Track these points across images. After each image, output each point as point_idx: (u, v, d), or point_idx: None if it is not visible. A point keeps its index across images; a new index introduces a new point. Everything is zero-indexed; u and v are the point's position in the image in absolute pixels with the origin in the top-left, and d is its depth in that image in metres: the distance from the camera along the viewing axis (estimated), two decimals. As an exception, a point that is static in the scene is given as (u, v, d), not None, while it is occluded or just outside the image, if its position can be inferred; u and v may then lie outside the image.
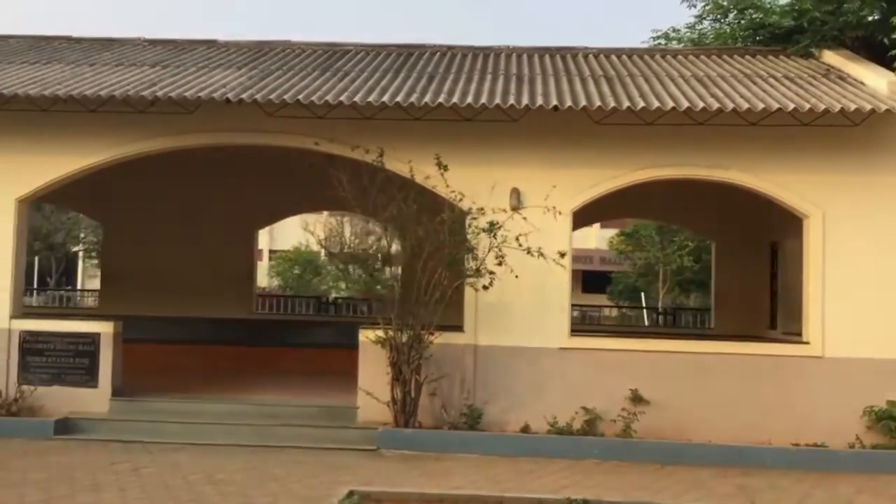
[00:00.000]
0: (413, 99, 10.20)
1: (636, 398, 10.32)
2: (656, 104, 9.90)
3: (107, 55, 12.81)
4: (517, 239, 9.90)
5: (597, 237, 49.64)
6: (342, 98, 10.14)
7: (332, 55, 13.19)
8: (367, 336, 10.67)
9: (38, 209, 24.52)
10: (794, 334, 13.26)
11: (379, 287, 9.82)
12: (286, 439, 10.18)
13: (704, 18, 16.08)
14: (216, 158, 12.86)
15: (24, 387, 10.59)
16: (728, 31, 15.52)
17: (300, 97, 10.05)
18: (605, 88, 10.95)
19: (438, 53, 13.36)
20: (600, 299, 39.42)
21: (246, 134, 10.74)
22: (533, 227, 10.08)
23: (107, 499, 7.43)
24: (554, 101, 9.97)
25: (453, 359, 10.49)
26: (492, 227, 9.82)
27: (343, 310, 19.51)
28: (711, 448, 9.88)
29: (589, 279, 48.01)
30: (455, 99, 10.25)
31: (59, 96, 10.20)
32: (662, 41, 16.56)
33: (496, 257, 9.87)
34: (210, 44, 13.83)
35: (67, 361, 10.83)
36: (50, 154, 10.87)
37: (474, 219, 10.04)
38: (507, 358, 10.57)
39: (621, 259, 40.26)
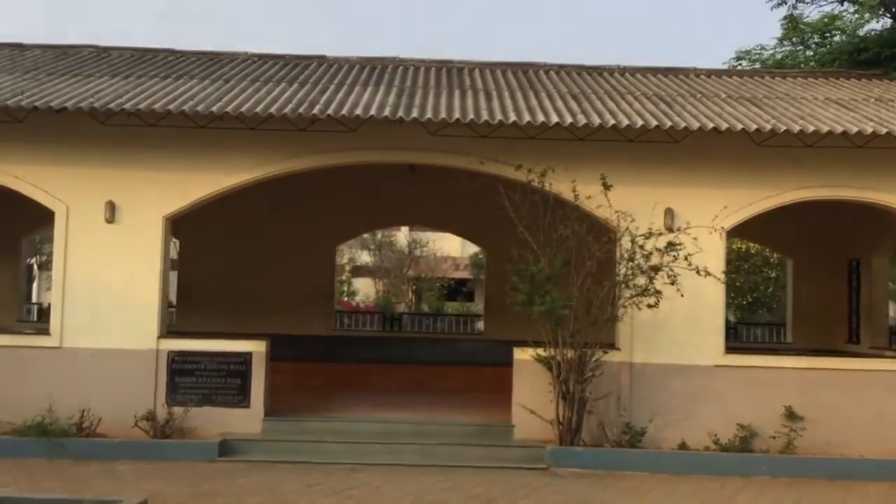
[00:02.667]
0: (574, 119, 10.29)
1: (791, 415, 10.53)
2: (825, 128, 10.14)
3: (226, 70, 12.67)
4: (686, 258, 10.06)
5: None
6: (530, 118, 10.19)
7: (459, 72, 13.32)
8: (524, 355, 10.74)
9: None
10: (880, 348, 13.71)
11: (562, 306, 9.86)
12: (448, 458, 10.15)
13: (785, 41, 16.47)
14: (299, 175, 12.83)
15: (176, 408, 10.42)
16: (812, 54, 15.92)
17: (472, 116, 10.09)
18: (756, 111, 11.18)
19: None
20: None
21: (407, 152, 10.75)
22: (693, 246, 10.25)
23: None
24: (725, 125, 10.15)
25: (609, 376, 10.57)
26: (672, 247, 9.96)
27: (410, 325, 19.54)
28: (876, 463, 10.11)
29: None
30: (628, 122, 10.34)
31: (213, 113, 10.05)
32: (744, 62, 16.91)
33: (668, 276, 10.02)
34: (321, 59, 13.80)
35: (218, 381, 10.65)
36: (198, 171, 10.72)
37: (645, 238, 10.16)
38: (662, 375, 10.69)
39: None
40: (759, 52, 16.76)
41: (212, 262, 15.33)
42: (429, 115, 10.09)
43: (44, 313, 19.50)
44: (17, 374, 10.49)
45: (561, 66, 13.94)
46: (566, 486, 9.10)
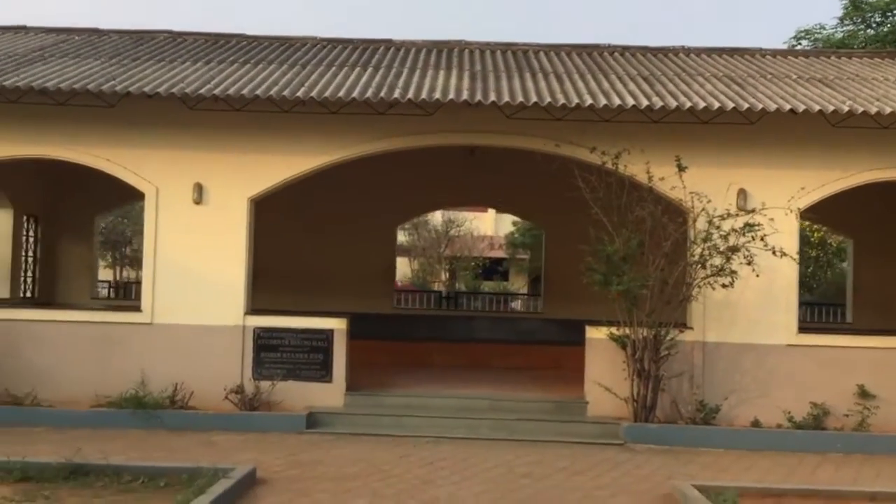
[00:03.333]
0: (650, 102, 10.42)
1: (863, 393, 10.67)
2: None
3: (299, 55, 12.94)
4: (762, 239, 10.21)
5: None
6: (606, 101, 10.33)
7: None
8: (597, 333, 10.99)
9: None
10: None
11: (639, 286, 10.08)
12: (525, 433, 10.46)
13: (846, 21, 16.38)
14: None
15: (264, 382, 10.83)
16: (873, 34, 15.84)
17: (549, 99, 10.29)
18: (830, 91, 11.25)
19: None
20: None
21: (484, 135, 10.98)
22: (770, 227, 10.39)
23: (450, 492, 7.69)
24: (802, 106, 10.25)
25: (682, 355, 10.76)
26: (750, 228, 10.12)
27: (458, 304, 19.86)
28: (951, 441, 10.25)
29: None
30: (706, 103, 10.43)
31: (298, 98, 10.31)
32: (805, 41, 16.85)
33: (744, 257, 10.18)
34: (388, 42, 14.04)
35: (302, 357, 11.04)
36: (282, 154, 11.05)
37: (722, 219, 10.32)
38: (735, 354, 10.88)
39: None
40: (818, 31, 16.69)
41: (279, 242, 15.72)
42: (506, 98, 10.30)
43: (118, 290, 20.11)
44: (111, 349, 10.97)
45: (626, 48, 14.05)
46: (647, 460, 9.34)
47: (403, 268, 43.29)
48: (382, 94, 10.34)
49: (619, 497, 7.72)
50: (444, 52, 13.61)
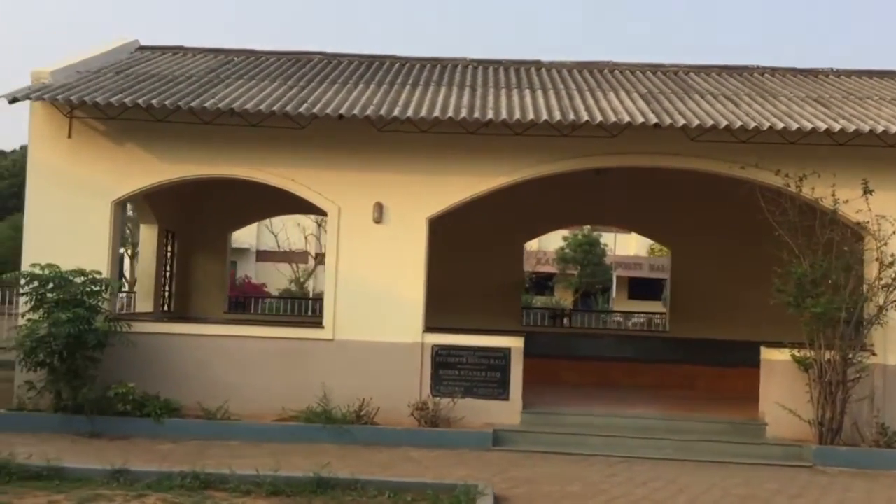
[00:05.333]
0: (843, 126, 10.46)
1: None
2: None
3: (457, 76, 13.19)
4: (957, 261, 10.21)
5: (637, 244, 50.08)
6: (797, 125, 10.38)
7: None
8: (776, 355, 11.02)
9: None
10: None
11: (836, 308, 10.12)
12: (709, 454, 10.48)
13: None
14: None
15: (445, 399, 10.98)
16: None
17: (741, 123, 10.36)
18: None
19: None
20: (647, 306, 39.61)
21: (666, 157, 11.09)
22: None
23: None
24: None
25: (863, 378, 10.74)
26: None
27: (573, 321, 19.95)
28: None
29: (635, 286, 48.46)
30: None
31: (478, 119, 10.56)
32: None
33: (940, 281, 10.18)
34: (537, 64, 14.23)
35: (479, 375, 11.20)
36: (460, 174, 11.27)
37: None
38: (916, 378, 10.86)
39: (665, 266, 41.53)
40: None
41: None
42: (697, 121, 10.42)
43: (238, 305, 20.46)
44: (294, 364, 11.22)
45: (775, 69, 14.10)
46: (849, 483, 9.34)
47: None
48: (572, 116, 10.52)
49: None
50: (594, 72, 13.80)
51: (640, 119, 10.41)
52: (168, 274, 15.60)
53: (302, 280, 41.13)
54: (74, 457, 8.91)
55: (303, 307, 22.14)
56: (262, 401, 10.98)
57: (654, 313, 21.78)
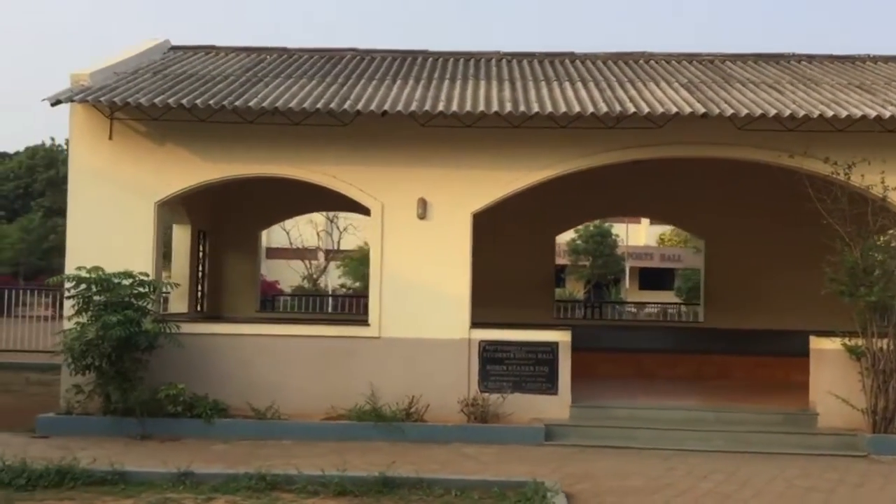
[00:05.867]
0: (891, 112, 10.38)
1: None
2: None
3: (492, 70, 13.12)
4: None
5: (647, 234, 49.96)
6: (847, 112, 10.30)
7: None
8: (826, 344, 10.95)
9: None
10: None
11: (891, 296, 10.07)
12: (760, 445, 10.43)
13: None
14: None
15: (494, 395, 10.93)
16: None
17: (789, 111, 10.29)
18: None
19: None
20: (658, 296, 39.52)
21: (715, 147, 11.00)
22: None
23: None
24: None
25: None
26: None
27: (603, 313, 19.90)
28: None
29: (646, 276, 48.36)
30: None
31: (524, 113, 10.52)
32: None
33: None
34: (570, 55, 14.15)
35: (527, 370, 11.14)
36: (505, 169, 11.20)
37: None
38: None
39: (680, 257, 41.93)
40: None
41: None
42: (746, 110, 10.33)
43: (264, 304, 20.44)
44: (340, 362, 11.18)
45: (812, 56, 14.00)
46: (906, 472, 9.31)
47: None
48: (619, 107, 10.45)
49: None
50: (629, 62, 13.71)
51: (688, 109, 10.33)
52: (200, 274, 15.59)
53: (315, 277, 41.25)
54: (133, 460, 8.88)
55: (324, 304, 22.22)
56: (308, 399, 10.94)
57: (682, 303, 21.70)
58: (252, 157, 11.26)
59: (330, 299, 26.65)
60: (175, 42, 14.45)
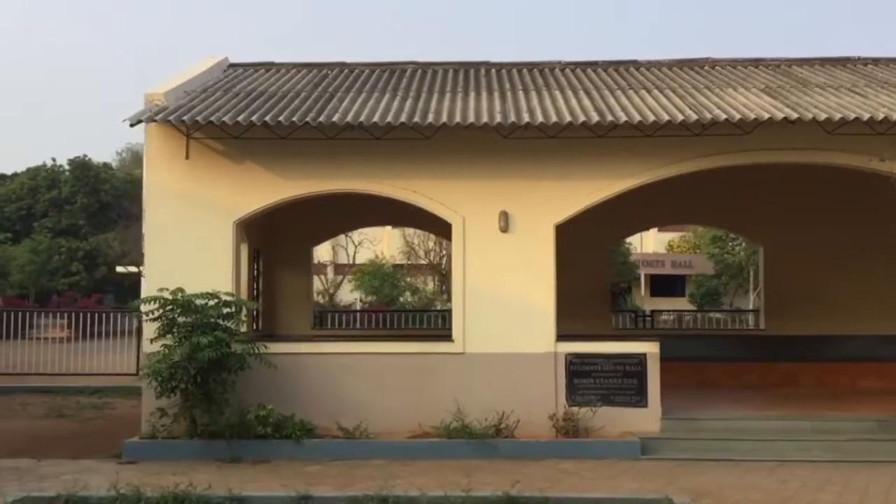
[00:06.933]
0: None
1: None
2: None
3: (562, 80, 13.00)
4: None
5: (655, 241, 49.80)
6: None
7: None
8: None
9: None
10: None
11: None
12: (861, 454, 10.25)
13: None
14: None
15: (578, 408, 10.77)
16: None
17: (883, 114, 10.14)
18: None
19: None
20: (670, 303, 39.41)
21: (803, 152, 10.85)
22: None
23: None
24: None
25: None
26: None
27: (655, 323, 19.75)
28: None
29: (656, 283, 48.15)
30: None
31: (616, 122, 10.38)
32: None
33: None
34: (634, 63, 14.04)
35: (615, 382, 10.97)
36: (587, 179, 11.07)
37: None
38: None
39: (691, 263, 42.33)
40: None
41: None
42: (839, 115, 10.18)
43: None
44: (424, 379, 11.02)
45: (877, 60, 13.86)
46: None
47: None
48: (709, 114, 10.31)
49: None
50: (695, 69, 13.59)
51: (780, 115, 10.19)
52: (256, 292, 15.45)
53: (331, 291, 41.14)
54: (236, 484, 8.71)
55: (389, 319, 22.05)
56: (393, 417, 10.79)
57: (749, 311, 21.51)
58: (332, 173, 11.14)
59: (395, 314, 26.02)
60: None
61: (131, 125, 10.61)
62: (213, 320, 10.30)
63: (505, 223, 11.05)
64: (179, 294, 10.38)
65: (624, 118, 10.36)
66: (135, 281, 42.44)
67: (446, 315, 22.34)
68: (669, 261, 49.15)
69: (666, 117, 10.30)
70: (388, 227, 34.56)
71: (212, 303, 10.39)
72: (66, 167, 45.73)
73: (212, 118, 10.41)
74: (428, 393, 10.90)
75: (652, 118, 10.32)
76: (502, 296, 11.01)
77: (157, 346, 10.44)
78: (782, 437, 10.63)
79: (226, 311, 10.45)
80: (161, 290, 10.47)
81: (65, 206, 44.43)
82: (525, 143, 10.80)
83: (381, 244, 40.41)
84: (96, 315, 20.68)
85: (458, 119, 10.44)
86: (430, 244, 44.20)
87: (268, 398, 10.65)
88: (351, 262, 40.38)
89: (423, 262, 42.97)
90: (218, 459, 10.09)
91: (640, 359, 10.99)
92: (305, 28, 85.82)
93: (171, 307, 10.35)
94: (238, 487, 8.55)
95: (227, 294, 10.57)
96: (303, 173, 11.10)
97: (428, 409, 10.76)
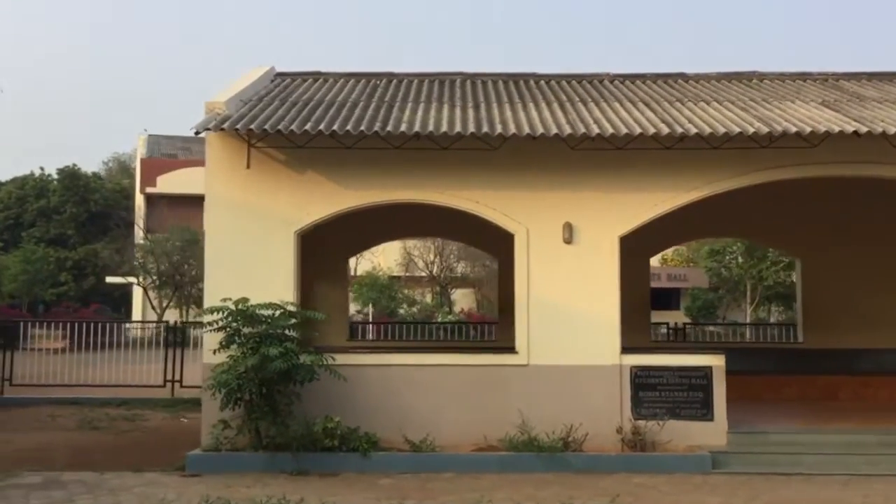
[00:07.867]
0: None
1: None
2: None
3: (614, 91, 13.01)
4: None
5: None
6: None
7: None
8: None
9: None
10: None
11: None
12: (929, 468, 10.24)
13: None
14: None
15: (644, 421, 10.69)
16: None
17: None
18: None
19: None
20: (667, 316, 39.57)
21: (869, 165, 10.84)
22: None
23: None
24: None
25: None
26: None
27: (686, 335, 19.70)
28: None
29: (653, 296, 48.12)
30: None
31: (687, 133, 10.35)
32: None
33: None
34: (682, 76, 14.04)
35: (681, 395, 10.89)
36: (652, 190, 11.01)
37: None
38: None
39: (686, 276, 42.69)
40: None
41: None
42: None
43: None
44: (488, 391, 10.89)
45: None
46: None
47: (466, 299, 43.41)
48: (779, 127, 10.30)
49: None
50: (743, 82, 13.61)
51: (850, 128, 10.18)
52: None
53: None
54: (316, 497, 8.61)
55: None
56: (458, 430, 10.66)
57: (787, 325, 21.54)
58: (394, 184, 11.04)
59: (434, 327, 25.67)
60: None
61: (196, 133, 10.49)
62: (280, 331, 10.18)
63: (569, 235, 10.98)
64: (244, 304, 10.27)
65: (694, 130, 10.34)
66: (126, 291, 42.24)
67: (485, 327, 22.38)
68: (665, 274, 49.15)
69: (736, 129, 10.29)
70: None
71: (278, 313, 10.27)
72: (55, 176, 45.33)
73: (279, 126, 10.31)
74: (492, 405, 10.78)
75: (722, 130, 10.30)
76: (566, 307, 10.94)
77: (220, 358, 10.31)
78: (852, 451, 10.55)
79: (292, 321, 10.32)
80: (224, 300, 10.35)
81: (53, 216, 44.05)
82: (590, 154, 10.76)
83: (380, 255, 40.20)
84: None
85: (527, 130, 10.39)
86: (431, 256, 44.18)
87: (330, 410, 10.51)
88: (353, 273, 40.34)
89: (422, 273, 42.87)
90: (283, 472, 9.96)
91: (706, 371, 10.91)
92: (313, 38, 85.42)
93: (237, 318, 10.23)
94: (328, 499, 8.44)
95: (290, 304, 10.45)
96: (366, 183, 11.00)
97: (492, 421, 10.64)
